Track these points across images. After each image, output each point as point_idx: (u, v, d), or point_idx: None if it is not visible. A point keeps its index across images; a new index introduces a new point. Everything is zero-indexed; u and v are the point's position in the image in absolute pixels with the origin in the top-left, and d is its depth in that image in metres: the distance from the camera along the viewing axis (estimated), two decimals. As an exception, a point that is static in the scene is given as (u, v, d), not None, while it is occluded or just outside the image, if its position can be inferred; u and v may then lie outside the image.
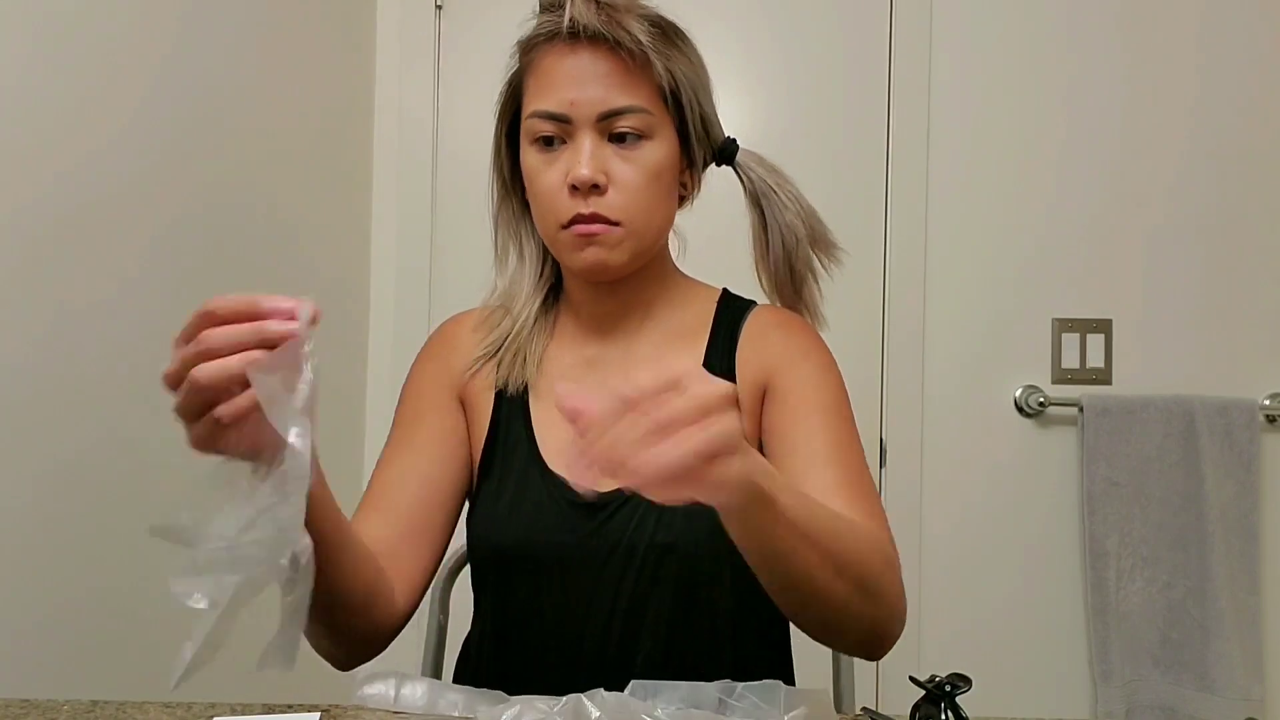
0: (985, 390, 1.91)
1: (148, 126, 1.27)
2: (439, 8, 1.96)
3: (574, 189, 0.91)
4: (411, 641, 1.11)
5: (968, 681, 0.69)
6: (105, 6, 1.19)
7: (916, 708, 0.71)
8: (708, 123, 0.98)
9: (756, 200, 1.02)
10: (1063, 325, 1.89)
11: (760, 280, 1.05)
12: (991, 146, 1.91)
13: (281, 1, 1.63)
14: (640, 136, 0.92)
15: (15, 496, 1.06)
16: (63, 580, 1.13)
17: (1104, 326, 1.89)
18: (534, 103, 0.93)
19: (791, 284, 1.03)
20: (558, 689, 0.91)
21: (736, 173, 1.03)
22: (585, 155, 0.90)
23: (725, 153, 1.02)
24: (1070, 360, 1.89)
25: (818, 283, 1.04)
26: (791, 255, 1.01)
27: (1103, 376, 1.89)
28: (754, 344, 0.99)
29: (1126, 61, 1.91)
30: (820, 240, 1.02)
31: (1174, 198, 1.90)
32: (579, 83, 0.91)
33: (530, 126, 0.93)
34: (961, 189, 1.91)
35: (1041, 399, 1.87)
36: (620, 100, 0.91)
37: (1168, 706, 1.81)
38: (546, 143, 0.93)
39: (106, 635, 1.20)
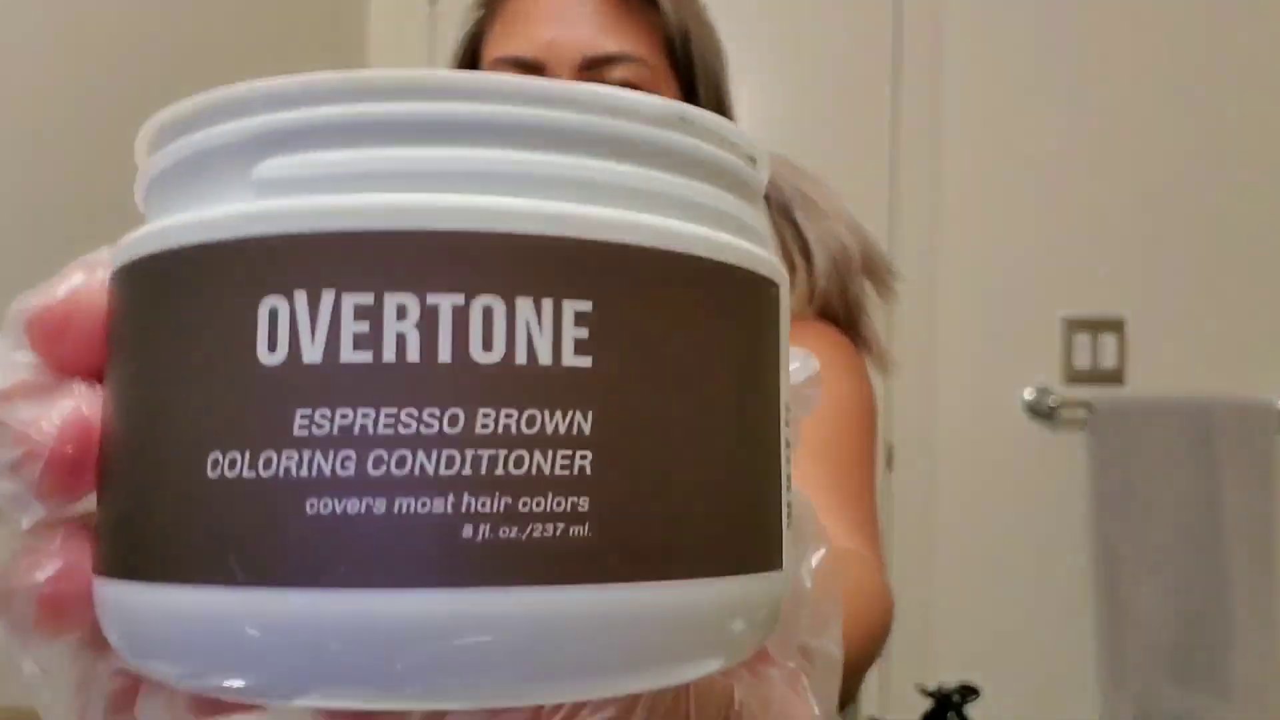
0: (994, 391, 1.88)
1: (134, 125, 1.26)
2: (433, 6, 1.94)
3: None
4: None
5: (976, 692, 0.66)
6: (93, 7, 1.18)
7: (926, 718, 0.67)
8: (722, 97, 0.82)
9: (787, 211, 0.85)
10: (1074, 324, 1.86)
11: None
12: (1002, 140, 1.89)
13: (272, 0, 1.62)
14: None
15: None
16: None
17: (1116, 325, 1.86)
18: (499, 48, 0.74)
19: (847, 313, 0.81)
20: None
21: None
22: None
23: None
24: (1082, 360, 1.86)
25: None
26: (844, 276, 0.81)
27: (1115, 377, 1.86)
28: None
29: (1139, 50, 1.88)
30: (874, 264, 0.83)
31: (1189, 192, 1.87)
32: (560, 20, 0.73)
33: None
34: (971, 185, 1.89)
35: (1052, 400, 1.84)
36: (610, 45, 0.73)
37: (1183, 716, 1.78)
38: None
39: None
